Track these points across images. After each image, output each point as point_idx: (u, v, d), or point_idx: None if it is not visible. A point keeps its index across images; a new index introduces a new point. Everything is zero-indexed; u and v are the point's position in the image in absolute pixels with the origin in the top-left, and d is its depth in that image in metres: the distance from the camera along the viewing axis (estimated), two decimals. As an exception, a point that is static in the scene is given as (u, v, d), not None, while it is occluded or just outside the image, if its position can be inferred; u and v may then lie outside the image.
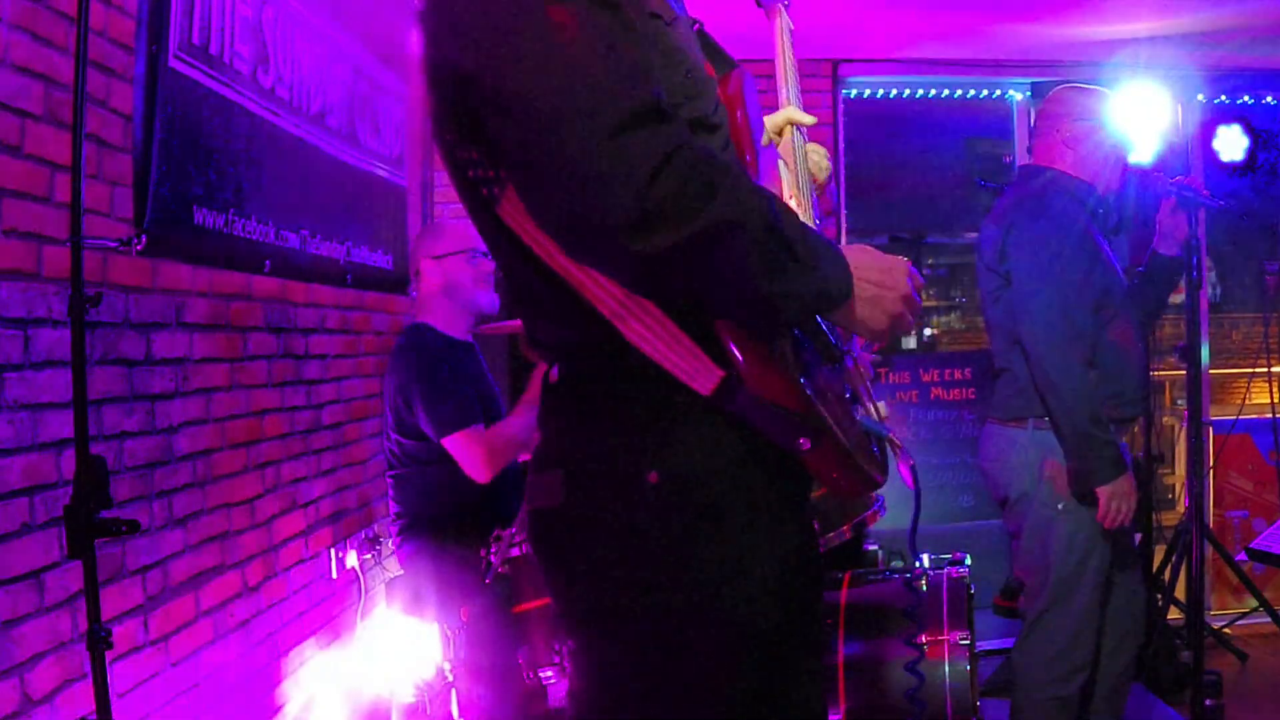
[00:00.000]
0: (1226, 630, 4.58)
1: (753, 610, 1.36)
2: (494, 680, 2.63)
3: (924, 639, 2.61)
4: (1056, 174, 2.91)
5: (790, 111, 1.62)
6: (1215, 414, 5.19)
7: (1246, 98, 5.25)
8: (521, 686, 2.52)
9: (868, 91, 5.26)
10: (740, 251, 1.20)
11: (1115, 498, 2.71)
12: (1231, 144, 3.67)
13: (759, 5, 1.70)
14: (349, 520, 3.47)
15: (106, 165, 2.16)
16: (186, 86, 2.30)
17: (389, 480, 3.23)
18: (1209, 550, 4.28)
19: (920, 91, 5.33)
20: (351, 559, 3.37)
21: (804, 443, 1.32)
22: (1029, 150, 3.11)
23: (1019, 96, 5.22)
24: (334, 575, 3.31)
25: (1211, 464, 4.78)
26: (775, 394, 1.29)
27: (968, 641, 2.64)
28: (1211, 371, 5.56)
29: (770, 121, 1.64)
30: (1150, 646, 3.82)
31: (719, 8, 1.96)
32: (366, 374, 3.65)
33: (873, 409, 1.56)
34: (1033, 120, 4.36)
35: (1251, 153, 3.64)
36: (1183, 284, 3.17)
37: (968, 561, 2.87)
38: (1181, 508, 5.35)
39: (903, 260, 1.38)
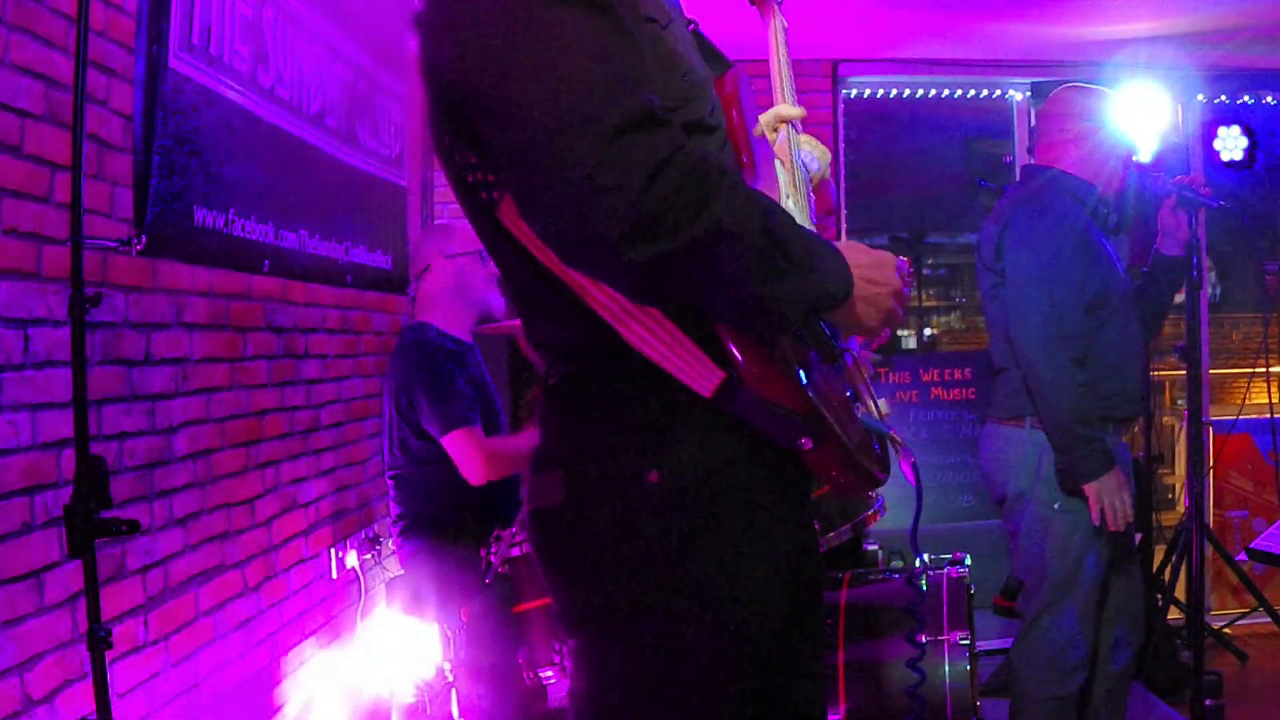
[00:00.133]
0: (1226, 630, 4.58)
1: (752, 610, 1.36)
2: (494, 680, 2.64)
3: (924, 637, 2.61)
4: (1058, 173, 2.91)
5: (779, 109, 1.62)
6: (1215, 414, 5.19)
7: (1246, 98, 5.25)
8: (521, 686, 2.52)
9: (868, 91, 5.26)
10: (736, 257, 1.20)
11: (1103, 494, 2.71)
12: (1231, 144, 3.67)
13: (753, 4, 1.70)
14: (349, 520, 3.47)
15: (106, 165, 2.16)
16: (186, 86, 2.30)
17: (389, 480, 3.23)
18: (1209, 550, 4.28)
19: (920, 91, 5.33)
20: (351, 559, 3.37)
21: (805, 442, 1.32)
22: (1029, 150, 3.12)
23: (1019, 96, 5.22)
24: (334, 575, 3.31)
25: (1211, 464, 4.78)
26: (776, 394, 1.29)
27: (968, 641, 2.64)
28: (1211, 371, 5.57)
29: (763, 120, 1.64)
30: (1150, 646, 3.82)
31: (714, 8, 1.96)
32: (366, 374, 3.65)
33: (874, 407, 1.56)
34: (1033, 120, 4.35)
35: (1251, 152, 3.64)
36: (1183, 284, 3.17)
37: (968, 561, 2.88)
38: (1181, 508, 5.35)
39: (890, 255, 1.38)
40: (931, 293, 13.31)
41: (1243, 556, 3.41)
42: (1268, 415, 4.47)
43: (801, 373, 1.31)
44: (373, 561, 3.51)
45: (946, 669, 2.60)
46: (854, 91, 5.22)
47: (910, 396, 4.89)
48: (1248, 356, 7.57)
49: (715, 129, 1.41)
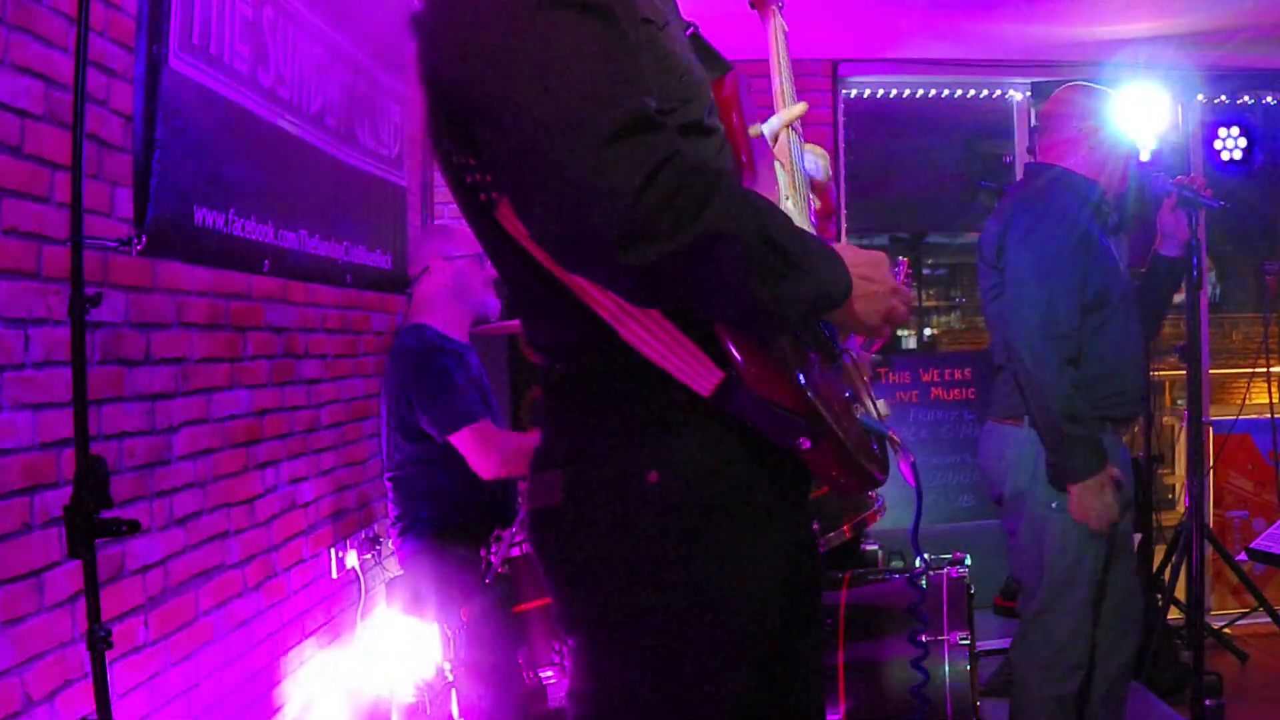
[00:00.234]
0: (1226, 630, 4.59)
1: (752, 610, 1.36)
2: (494, 680, 2.64)
3: (925, 637, 2.61)
4: (1062, 171, 2.91)
5: (785, 113, 1.62)
6: (1215, 414, 5.19)
7: (1246, 98, 5.25)
8: (521, 686, 2.52)
9: (868, 91, 5.27)
10: (734, 260, 1.20)
11: (1084, 494, 2.70)
12: (1231, 144, 3.68)
13: (753, 7, 1.70)
14: (349, 520, 3.47)
15: (106, 165, 2.16)
16: (186, 86, 2.30)
17: (387, 481, 3.23)
18: (1209, 550, 4.28)
19: (920, 91, 5.33)
20: (351, 559, 3.37)
21: (804, 442, 1.32)
22: (1029, 150, 3.12)
23: (1019, 96, 5.22)
24: (334, 575, 3.31)
25: (1211, 464, 4.78)
26: (775, 394, 1.30)
27: (968, 641, 2.64)
28: (1211, 371, 5.57)
29: (770, 124, 1.63)
30: (1150, 646, 3.82)
31: (713, 10, 1.96)
32: (366, 374, 3.65)
33: (873, 407, 1.56)
34: (1033, 120, 4.34)
35: (1251, 152, 3.65)
36: (1183, 284, 3.17)
37: (968, 561, 2.88)
38: (1181, 508, 5.35)
39: (882, 254, 1.38)
40: (931, 293, 13.32)
41: (1243, 556, 3.41)
42: (1268, 415, 4.47)
43: (800, 373, 1.31)
44: (373, 561, 3.51)
45: (946, 669, 2.61)
46: (854, 91, 5.22)
47: (910, 396, 4.89)
48: (1248, 356, 7.58)
49: (714, 131, 1.41)
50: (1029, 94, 5.14)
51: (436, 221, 4.38)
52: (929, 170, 9.39)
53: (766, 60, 1.66)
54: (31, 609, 1.90)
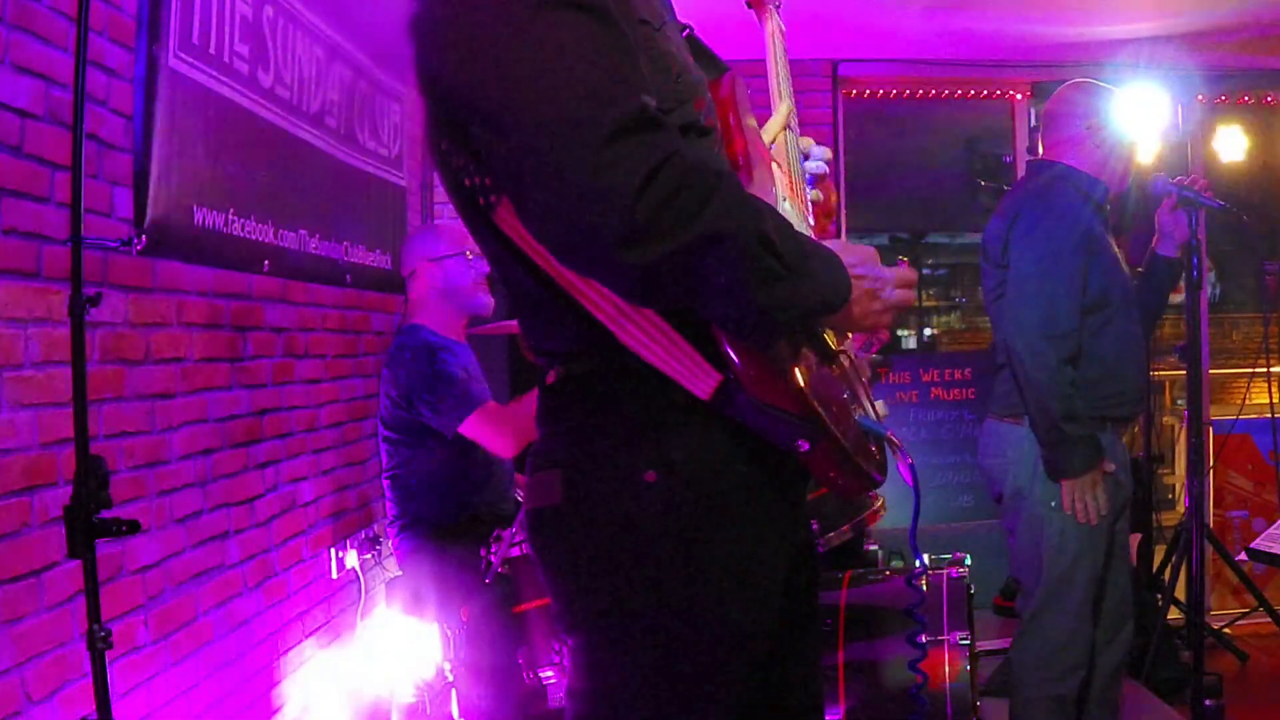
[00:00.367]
0: (1226, 630, 4.58)
1: (750, 609, 1.36)
2: (494, 680, 2.64)
3: (924, 638, 2.61)
4: (1064, 168, 2.91)
5: (775, 116, 1.62)
6: (1215, 414, 5.19)
7: (1246, 98, 5.25)
8: (521, 686, 2.52)
9: (868, 91, 5.26)
10: (732, 262, 1.20)
11: (1075, 490, 2.72)
12: (1231, 144, 3.68)
13: (750, 7, 1.70)
14: (349, 520, 3.47)
15: (106, 165, 2.16)
16: (186, 86, 2.30)
17: (385, 481, 3.22)
18: (1209, 550, 4.28)
19: (920, 91, 5.33)
20: (351, 559, 3.37)
21: (802, 444, 1.32)
22: (1029, 149, 3.12)
23: (1019, 96, 5.22)
24: (334, 575, 3.32)
25: (1211, 464, 4.78)
26: (773, 396, 1.29)
27: (968, 641, 2.64)
28: (1211, 371, 5.56)
29: (769, 126, 1.63)
30: (1150, 646, 3.82)
31: (710, 10, 1.96)
32: (366, 374, 3.65)
33: (871, 408, 1.56)
34: (1033, 120, 4.34)
35: (1250, 152, 3.65)
36: (1183, 284, 3.17)
37: (968, 561, 2.88)
38: (1181, 508, 5.34)
39: (871, 248, 1.38)
40: (931, 293, 13.31)
41: (1243, 556, 3.41)
42: (1268, 415, 4.47)
43: (798, 375, 1.31)
44: (373, 561, 3.51)
45: (946, 669, 2.61)
46: (854, 91, 5.22)
47: (910, 397, 4.89)
48: (1248, 356, 7.57)
49: (710, 131, 1.41)
50: (1029, 94, 5.14)
51: (436, 221, 4.38)
52: (929, 170, 9.38)
53: (764, 60, 1.66)
54: (31, 609, 1.90)
